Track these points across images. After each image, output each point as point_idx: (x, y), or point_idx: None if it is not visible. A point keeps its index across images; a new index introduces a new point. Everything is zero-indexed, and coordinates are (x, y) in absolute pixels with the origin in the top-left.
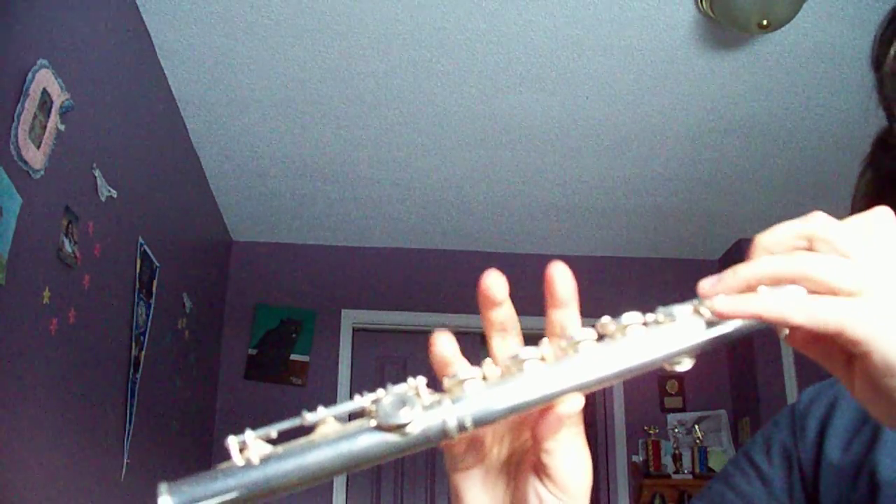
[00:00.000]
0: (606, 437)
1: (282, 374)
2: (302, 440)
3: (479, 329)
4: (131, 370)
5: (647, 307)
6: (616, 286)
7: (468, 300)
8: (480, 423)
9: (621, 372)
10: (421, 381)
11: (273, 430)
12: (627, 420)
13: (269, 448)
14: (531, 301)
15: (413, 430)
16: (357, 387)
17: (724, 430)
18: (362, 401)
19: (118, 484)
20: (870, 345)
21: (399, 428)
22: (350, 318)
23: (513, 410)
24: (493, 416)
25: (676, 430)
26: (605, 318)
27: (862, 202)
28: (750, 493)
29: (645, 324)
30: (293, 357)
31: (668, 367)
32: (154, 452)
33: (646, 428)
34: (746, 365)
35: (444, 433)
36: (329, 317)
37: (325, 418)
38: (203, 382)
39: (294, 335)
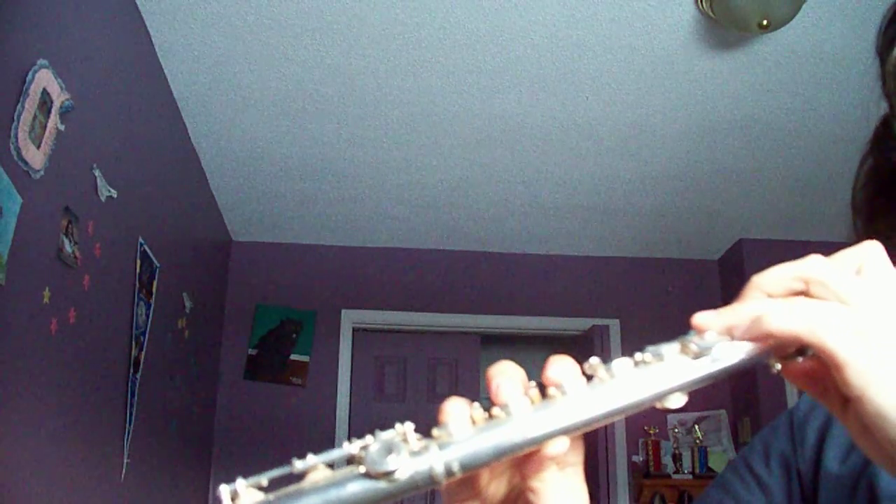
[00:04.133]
0: (606, 436)
1: (282, 374)
2: (292, 488)
3: (479, 329)
4: (131, 370)
5: (647, 307)
6: (616, 286)
7: (468, 300)
8: (468, 467)
9: (609, 413)
10: (409, 426)
11: (264, 479)
12: (627, 420)
13: (260, 496)
14: (531, 301)
15: (401, 477)
16: (357, 387)
17: (724, 430)
18: (351, 447)
19: (118, 484)
20: (864, 391)
21: (387, 475)
22: (350, 318)
23: (500, 455)
24: (481, 460)
25: (676, 430)
26: (594, 360)
27: (862, 193)
28: (749, 501)
29: (634, 364)
30: (293, 357)
31: (658, 406)
32: (154, 452)
33: (646, 428)
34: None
35: (431, 479)
36: (329, 317)
37: (314, 465)
38: (203, 382)
39: (294, 335)
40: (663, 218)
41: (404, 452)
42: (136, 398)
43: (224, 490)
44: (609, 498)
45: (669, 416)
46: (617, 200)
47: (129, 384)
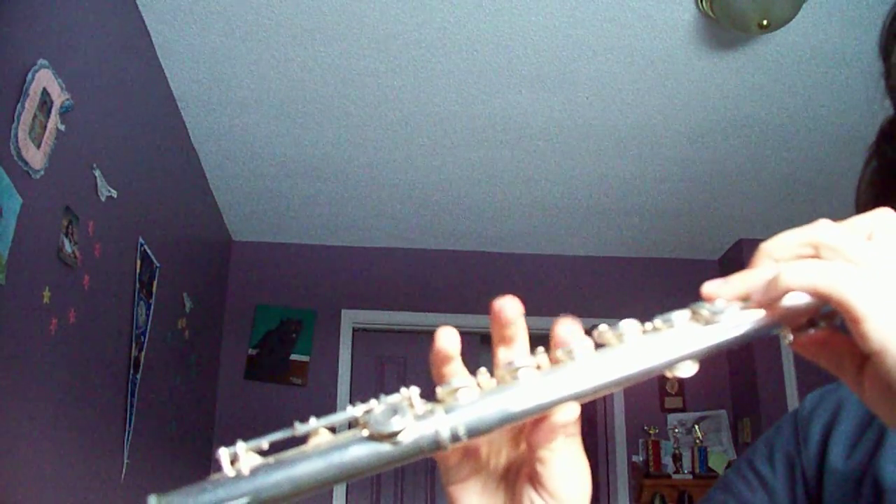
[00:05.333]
0: (606, 437)
1: (282, 374)
2: (293, 451)
3: (479, 329)
4: (131, 370)
5: (647, 307)
6: (616, 286)
7: (468, 300)
8: (474, 432)
9: (618, 380)
10: (414, 390)
11: (265, 442)
12: (627, 420)
13: (260, 459)
14: (530, 301)
15: (405, 439)
16: (357, 387)
17: (724, 430)
18: (355, 411)
19: (118, 484)
20: (884, 343)
21: (390, 437)
22: (350, 318)
23: (507, 420)
24: (487, 425)
25: (676, 430)
26: (603, 326)
27: (867, 192)
28: (752, 501)
29: (643, 332)
30: (293, 357)
31: (668, 374)
32: (154, 452)
33: (646, 428)
34: (746, 365)
35: (437, 443)
36: (329, 317)
37: (317, 429)
38: (203, 382)
39: (294, 335)
40: (663, 218)
41: (409, 415)
42: (136, 398)
43: (223, 453)
44: (609, 498)
45: (669, 416)
46: (617, 200)
47: (129, 384)
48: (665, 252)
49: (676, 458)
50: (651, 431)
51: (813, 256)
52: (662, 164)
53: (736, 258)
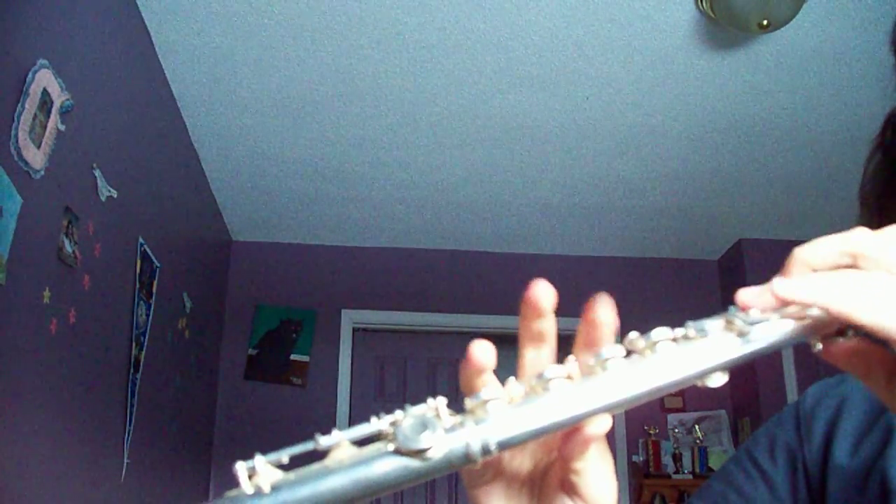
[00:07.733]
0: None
1: (282, 374)
2: (316, 466)
3: (479, 329)
4: (131, 370)
5: (647, 307)
6: (616, 286)
7: (468, 300)
8: (505, 445)
9: (652, 391)
10: (441, 401)
11: (284, 455)
12: (627, 420)
13: (280, 474)
14: None
15: (435, 455)
16: (357, 387)
17: (724, 430)
18: (379, 423)
19: (118, 484)
20: None
21: (420, 453)
22: (350, 318)
23: (539, 433)
24: (519, 438)
25: (676, 430)
26: (633, 334)
27: (871, 185)
28: (753, 495)
29: (674, 339)
30: (293, 357)
31: (699, 384)
32: (154, 452)
33: (646, 428)
34: (746, 365)
35: (467, 457)
36: (329, 317)
37: (339, 442)
38: (203, 382)
39: (294, 335)
40: (663, 218)
41: (439, 429)
42: (136, 398)
43: (241, 467)
44: None
45: (669, 416)
46: (617, 200)
47: (129, 384)
48: (665, 252)
49: (676, 458)
50: (651, 431)
51: (850, 266)
52: (662, 164)
53: (736, 258)
